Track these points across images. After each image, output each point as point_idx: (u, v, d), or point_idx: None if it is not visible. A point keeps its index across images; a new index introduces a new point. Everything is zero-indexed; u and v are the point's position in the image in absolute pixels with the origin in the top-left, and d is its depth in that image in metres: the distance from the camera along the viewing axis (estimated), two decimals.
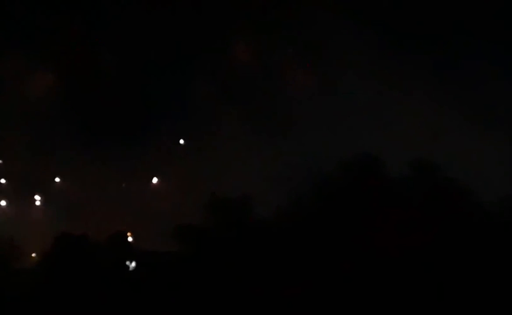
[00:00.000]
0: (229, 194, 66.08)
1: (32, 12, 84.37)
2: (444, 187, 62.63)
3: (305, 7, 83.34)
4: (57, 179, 79.01)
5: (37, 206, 76.20)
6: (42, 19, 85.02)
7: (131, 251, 66.29)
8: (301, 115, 79.76)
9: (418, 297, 58.78)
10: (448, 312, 57.96)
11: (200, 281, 62.12)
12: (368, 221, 60.39)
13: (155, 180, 78.65)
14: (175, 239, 64.71)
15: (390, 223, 60.19)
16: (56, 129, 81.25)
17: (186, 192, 75.23)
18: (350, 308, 59.15)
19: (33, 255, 67.06)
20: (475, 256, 59.03)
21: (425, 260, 59.21)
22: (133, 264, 66.27)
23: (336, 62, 79.81)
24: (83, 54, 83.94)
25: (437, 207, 61.48)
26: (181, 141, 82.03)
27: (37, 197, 77.41)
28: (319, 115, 79.35)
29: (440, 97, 78.25)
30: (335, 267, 59.95)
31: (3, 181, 77.81)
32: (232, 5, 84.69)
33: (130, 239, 67.71)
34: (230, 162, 77.90)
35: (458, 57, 78.47)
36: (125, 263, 65.94)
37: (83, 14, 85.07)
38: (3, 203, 75.34)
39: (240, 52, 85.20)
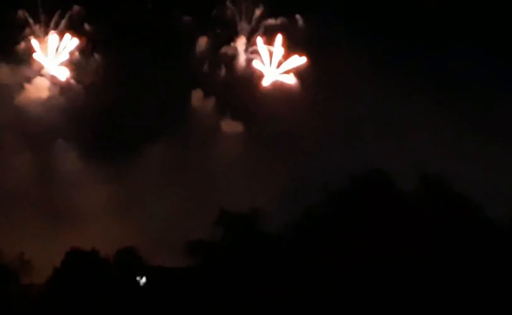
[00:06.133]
0: (238, 209, 67.20)
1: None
2: (453, 203, 63.71)
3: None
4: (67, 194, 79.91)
5: (47, 221, 77.00)
6: None
7: (141, 266, 67.25)
8: (309, 130, 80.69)
9: (427, 312, 59.76)
10: None
11: (210, 295, 63.25)
12: (378, 235, 61.31)
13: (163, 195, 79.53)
14: (185, 254, 65.92)
15: (400, 238, 61.06)
16: (65, 145, 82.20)
17: (195, 207, 75.97)
18: None
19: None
20: (485, 271, 60.06)
21: (435, 274, 60.23)
22: (144, 279, 67.29)
23: (347, 78, 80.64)
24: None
25: (447, 222, 62.50)
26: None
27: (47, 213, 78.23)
28: (327, 131, 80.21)
29: (451, 112, 79.16)
30: (345, 280, 60.91)
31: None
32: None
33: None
34: (238, 177, 78.77)
35: (471, 74, 79.08)
36: (135, 279, 66.96)
37: None
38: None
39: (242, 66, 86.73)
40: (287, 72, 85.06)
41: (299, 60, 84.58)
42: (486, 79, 78.91)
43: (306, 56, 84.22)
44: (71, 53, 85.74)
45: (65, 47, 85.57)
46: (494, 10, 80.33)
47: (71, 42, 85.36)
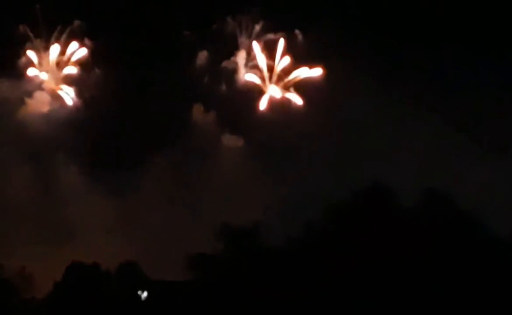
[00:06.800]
0: (239, 222, 67.38)
1: None
2: (454, 216, 63.86)
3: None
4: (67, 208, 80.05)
5: (48, 235, 77.14)
6: None
7: (142, 281, 67.32)
8: (310, 144, 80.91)
9: None
10: None
11: (211, 309, 63.28)
12: (379, 248, 61.44)
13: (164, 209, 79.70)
14: (187, 268, 65.96)
15: (400, 251, 61.18)
16: (65, 159, 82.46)
17: (197, 221, 76.08)
18: None
19: None
20: (486, 283, 60.14)
21: (436, 288, 60.32)
22: (145, 293, 67.33)
23: (347, 92, 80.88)
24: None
25: (447, 235, 62.64)
26: None
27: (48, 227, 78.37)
28: (328, 144, 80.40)
29: (453, 128, 79.32)
30: (346, 293, 61.03)
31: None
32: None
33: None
34: (239, 191, 78.90)
35: (472, 88, 79.02)
36: (136, 293, 67.00)
37: None
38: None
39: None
40: (290, 84, 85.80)
41: (312, 72, 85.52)
42: (488, 94, 79.01)
43: (309, 68, 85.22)
44: (74, 64, 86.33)
45: (69, 57, 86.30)
46: (497, 20, 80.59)
47: (77, 52, 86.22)
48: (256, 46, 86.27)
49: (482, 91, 78.69)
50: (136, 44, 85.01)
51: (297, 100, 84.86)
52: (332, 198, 66.18)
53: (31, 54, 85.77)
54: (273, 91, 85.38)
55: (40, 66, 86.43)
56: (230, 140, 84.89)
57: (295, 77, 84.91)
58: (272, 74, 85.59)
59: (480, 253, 62.09)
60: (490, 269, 61.32)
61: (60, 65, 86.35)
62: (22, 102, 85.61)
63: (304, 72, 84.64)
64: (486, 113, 78.59)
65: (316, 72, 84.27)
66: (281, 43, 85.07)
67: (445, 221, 64.17)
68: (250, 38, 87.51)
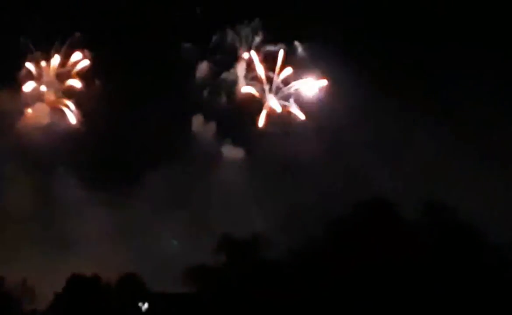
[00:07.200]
0: (239, 235, 67.43)
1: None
2: (456, 230, 63.82)
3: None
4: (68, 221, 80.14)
5: (49, 247, 77.22)
6: None
7: (143, 292, 67.42)
8: (311, 156, 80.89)
9: None
10: None
11: None
12: (380, 262, 61.44)
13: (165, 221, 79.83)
14: (187, 280, 65.98)
15: (403, 265, 61.17)
16: (66, 171, 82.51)
17: (197, 233, 76.18)
18: None
19: None
20: (490, 298, 60.16)
21: (440, 303, 60.29)
22: (146, 305, 67.41)
23: (348, 105, 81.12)
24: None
25: (449, 249, 62.64)
26: None
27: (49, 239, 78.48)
28: (329, 157, 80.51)
29: (453, 139, 79.34)
30: (347, 307, 61.03)
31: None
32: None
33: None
34: (240, 203, 78.97)
35: (471, 100, 78.99)
36: (137, 305, 67.11)
37: None
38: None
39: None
40: (290, 96, 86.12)
41: (315, 83, 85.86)
42: (488, 106, 78.80)
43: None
44: (74, 75, 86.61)
45: (70, 69, 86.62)
46: (499, 20, 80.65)
47: (79, 63, 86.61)
48: (255, 57, 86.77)
49: (483, 105, 78.68)
50: (136, 56, 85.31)
51: (297, 112, 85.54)
52: (333, 211, 66.35)
53: (30, 66, 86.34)
54: (273, 103, 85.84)
55: (40, 78, 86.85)
56: (231, 152, 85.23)
57: (295, 89, 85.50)
58: (272, 85, 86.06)
59: (483, 264, 62.18)
60: (493, 280, 61.43)
61: (60, 77, 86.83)
62: (21, 114, 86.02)
63: (305, 83, 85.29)
64: (488, 122, 78.62)
65: (319, 83, 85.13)
66: (281, 54, 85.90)
67: (448, 233, 64.20)
68: (250, 49, 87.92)
